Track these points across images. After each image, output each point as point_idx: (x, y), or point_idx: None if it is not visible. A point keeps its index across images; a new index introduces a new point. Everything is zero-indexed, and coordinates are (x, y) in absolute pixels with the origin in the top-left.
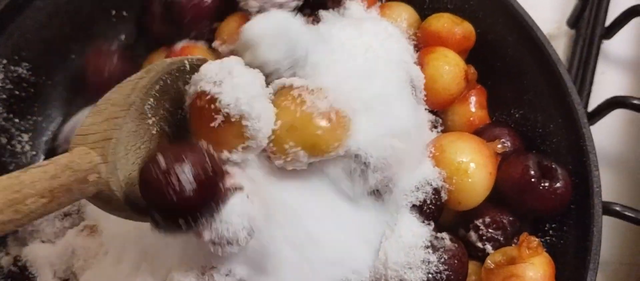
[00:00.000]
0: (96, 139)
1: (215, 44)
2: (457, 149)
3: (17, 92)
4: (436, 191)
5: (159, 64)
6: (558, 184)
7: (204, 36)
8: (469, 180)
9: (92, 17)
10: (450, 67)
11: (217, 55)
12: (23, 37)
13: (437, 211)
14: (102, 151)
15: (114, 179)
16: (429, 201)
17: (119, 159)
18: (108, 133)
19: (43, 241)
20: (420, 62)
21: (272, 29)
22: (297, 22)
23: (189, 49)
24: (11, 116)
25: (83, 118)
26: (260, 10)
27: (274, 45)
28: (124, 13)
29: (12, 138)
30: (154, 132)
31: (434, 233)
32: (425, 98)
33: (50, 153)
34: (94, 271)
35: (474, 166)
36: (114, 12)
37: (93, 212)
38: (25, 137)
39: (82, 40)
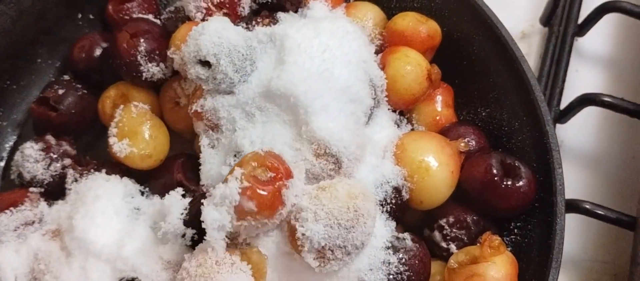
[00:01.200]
0: None
1: (169, 52)
2: (418, 148)
3: None
4: (397, 190)
5: None
6: (521, 183)
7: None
8: (430, 179)
9: (58, 21)
10: (411, 67)
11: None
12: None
13: (398, 210)
14: None
15: None
16: (389, 200)
17: None
18: None
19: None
20: (382, 62)
21: (218, 45)
22: (242, 33)
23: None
24: None
25: None
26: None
27: (222, 64)
28: (91, 16)
29: None
30: None
31: (395, 233)
32: (387, 98)
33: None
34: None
35: (435, 165)
36: (80, 15)
37: (56, 216)
38: None
39: (47, 44)
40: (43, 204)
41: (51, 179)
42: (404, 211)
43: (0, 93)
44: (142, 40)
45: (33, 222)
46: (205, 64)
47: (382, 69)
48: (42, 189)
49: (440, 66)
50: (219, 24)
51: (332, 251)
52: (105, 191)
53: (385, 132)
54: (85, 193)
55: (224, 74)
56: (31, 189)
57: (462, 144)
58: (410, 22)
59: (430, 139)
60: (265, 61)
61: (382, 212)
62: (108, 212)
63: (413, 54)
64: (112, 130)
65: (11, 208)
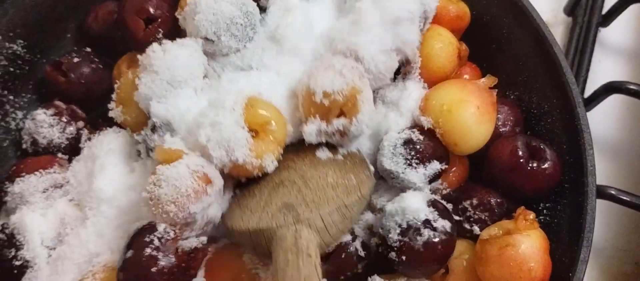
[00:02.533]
0: None
1: (178, 14)
2: (438, 94)
3: (11, 69)
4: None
5: None
6: (546, 165)
7: None
8: (454, 118)
9: None
10: (444, 45)
11: None
12: (18, 14)
13: (427, 151)
14: None
15: None
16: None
17: None
18: None
19: (32, 210)
20: None
21: (214, 23)
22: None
23: None
24: (5, 92)
25: None
26: None
27: (224, 39)
28: None
29: (6, 115)
30: None
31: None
32: (420, 75)
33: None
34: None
35: (456, 104)
36: None
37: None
38: (20, 114)
39: (76, 20)
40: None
41: (67, 142)
42: (435, 153)
43: (31, 67)
44: (157, 27)
45: (61, 186)
46: (207, 39)
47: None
48: (60, 153)
49: (470, 48)
50: None
51: None
52: (117, 145)
53: (416, 95)
54: (98, 147)
55: (227, 47)
56: (59, 155)
57: (484, 80)
58: (441, 0)
59: (450, 83)
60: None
61: (412, 159)
62: (120, 164)
63: (444, 32)
64: (113, 95)
65: (41, 170)
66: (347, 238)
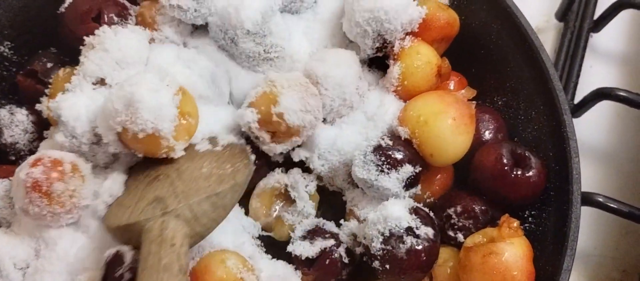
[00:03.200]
0: None
1: None
2: (415, 105)
3: None
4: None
5: None
6: (531, 173)
7: None
8: (430, 129)
9: None
10: (421, 65)
11: None
12: (6, 15)
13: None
14: None
15: None
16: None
17: None
18: None
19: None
20: (394, 57)
21: None
22: None
23: None
24: None
25: None
26: None
27: None
28: None
29: None
30: None
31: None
32: (396, 90)
33: None
34: None
35: (432, 115)
36: None
37: None
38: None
39: None
40: None
41: (28, 154)
42: (405, 156)
43: (18, 68)
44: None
45: None
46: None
47: (395, 61)
48: (13, 158)
49: (457, 54)
50: None
51: None
52: None
53: (392, 110)
54: None
55: (208, 8)
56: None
57: (463, 91)
58: (431, 7)
59: (428, 95)
60: None
61: (383, 165)
62: None
63: (424, 49)
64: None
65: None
66: (331, 243)
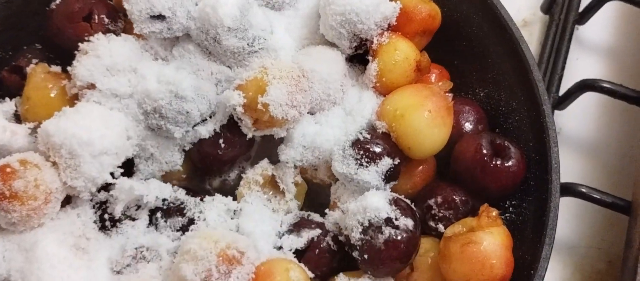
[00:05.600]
0: None
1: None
2: (392, 99)
3: None
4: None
5: None
6: (510, 163)
7: None
8: (406, 122)
9: None
10: (399, 61)
11: None
12: None
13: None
14: None
15: None
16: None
17: None
18: None
19: None
20: (373, 53)
21: None
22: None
23: None
24: None
25: None
26: None
27: (179, 14)
28: None
29: None
30: None
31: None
32: (374, 86)
33: None
34: None
35: (408, 108)
36: None
37: None
38: None
39: None
40: None
41: None
42: (384, 149)
43: (2, 65)
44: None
45: None
46: (158, 17)
47: (373, 58)
48: None
49: (439, 46)
50: None
51: None
52: None
53: (370, 106)
54: None
55: (180, 24)
56: None
57: (440, 83)
58: (413, 0)
59: (405, 89)
60: None
61: (361, 159)
62: None
63: (402, 45)
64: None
65: None
66: (318, 232)
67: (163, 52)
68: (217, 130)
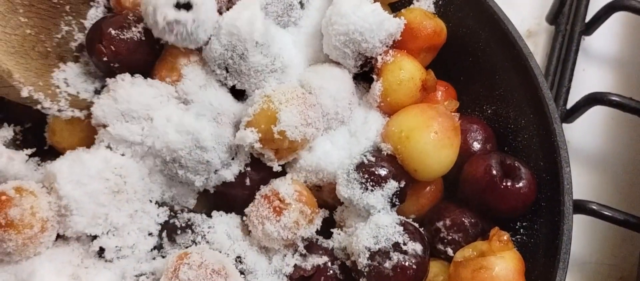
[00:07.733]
0: None
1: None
2: (397, 120)
3: None
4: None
5: None
6: (520, 184)
7: None
8: (412, 144)
9: None
10: (404, 80)
11: None
12: None
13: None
14: None
15: None
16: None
17: None
18: None
19: None
20: (377, 72)
21: None
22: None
23: None
24: None
25: None
26: None
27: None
28: None
29: None
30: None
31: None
32: (379, 106)
33: None
34: None
35: (414, 130)
36: None
37: None
38: None
39: None
40: None
41: None
42: (389, 173)
43: None
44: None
45: None
46: (185, 6)
47: (377, 77)
48: None
49: (445, 62)
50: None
51: None
52: None
53: (375, 127)
54: None
55: (205, 22)
56: None
57: (446, 103)
58: (418, 16)
59: (410, 109)
60: None
61: (366, 182)
62: None
63: (408, 64)
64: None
65: None
66: (325, 260)
67: (184, 95)
68: (242, 170)
